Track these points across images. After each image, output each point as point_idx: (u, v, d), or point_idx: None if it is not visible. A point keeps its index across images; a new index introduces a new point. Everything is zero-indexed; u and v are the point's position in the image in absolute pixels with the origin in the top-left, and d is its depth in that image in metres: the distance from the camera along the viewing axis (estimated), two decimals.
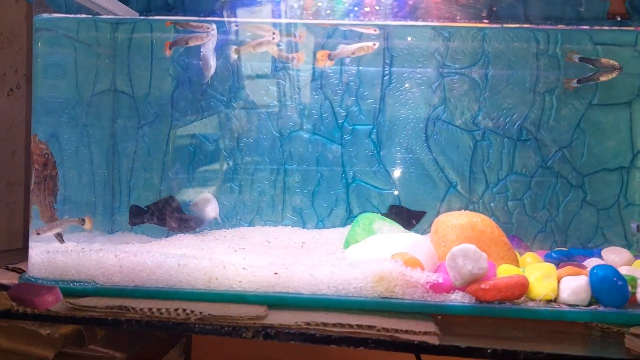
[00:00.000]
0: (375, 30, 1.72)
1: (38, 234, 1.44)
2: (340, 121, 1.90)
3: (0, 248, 1.92)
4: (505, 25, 1.77)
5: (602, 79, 1.76)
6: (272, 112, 1.91)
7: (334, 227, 1.89)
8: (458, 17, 1.71)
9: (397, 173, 1.88)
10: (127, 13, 1.83)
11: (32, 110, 1.50)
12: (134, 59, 1.90)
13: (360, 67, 1.88)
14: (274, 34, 1.60)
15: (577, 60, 1.76)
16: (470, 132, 1.86)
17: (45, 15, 1.49)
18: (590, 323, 1.25)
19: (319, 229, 1.88)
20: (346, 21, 1.73)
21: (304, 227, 1.90)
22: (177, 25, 1.67)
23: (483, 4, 1.73)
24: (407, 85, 1.87)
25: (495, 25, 1.77)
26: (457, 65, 1.86)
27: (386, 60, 1.87)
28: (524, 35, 1.83)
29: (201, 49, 1.60)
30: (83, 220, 1.49)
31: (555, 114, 1.84)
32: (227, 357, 2.12)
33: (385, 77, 1.88)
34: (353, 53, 1.72)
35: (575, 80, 1.77)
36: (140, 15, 1.86)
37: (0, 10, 1.95)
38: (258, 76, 1.90)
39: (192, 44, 1.66)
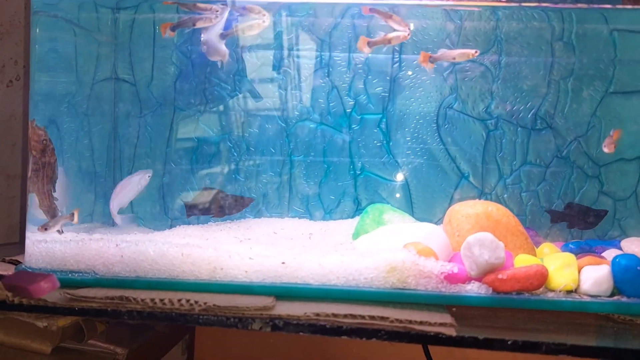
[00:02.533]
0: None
1: (46, 229, 1.38)
2: (348, 110, 1.85)
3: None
4: (518, 4, 1.70)
5: None
6: (277, 101, 1.86)
7: (342, 219, 1.82)
8: None
9: (406, 164, 1.83)
10: None
11: (29, 97, 1.46)
12: (135, 46, 1.84)
13: (369, 54, 1.82)
14: (264, 15, 1.54)
15: None
16: (483, 121, 1.81)
17: None
18: (611, 315, 1.20)
19: (326, 220, 1.82)
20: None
21: (310, 219, 1.84)
22: (181, 6, 1.61)
23: None
24: (416, 72, 1.81)
25: (509, 4, 1.70)
26: None
27: (395, 47, 1.81)
28: (538, 20, 1.77)
29: (202, 34, 1.54)
30: (72, 215, 1.43)
31: (570, 102, 1.78)
32: (230, 354, 2.07)
33: (395, 65, 1.83)
34: (454, 58, 1.69)
35: None
36: None
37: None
38: (263, 64, 1.85)
39: (199, 25, 1.59)
